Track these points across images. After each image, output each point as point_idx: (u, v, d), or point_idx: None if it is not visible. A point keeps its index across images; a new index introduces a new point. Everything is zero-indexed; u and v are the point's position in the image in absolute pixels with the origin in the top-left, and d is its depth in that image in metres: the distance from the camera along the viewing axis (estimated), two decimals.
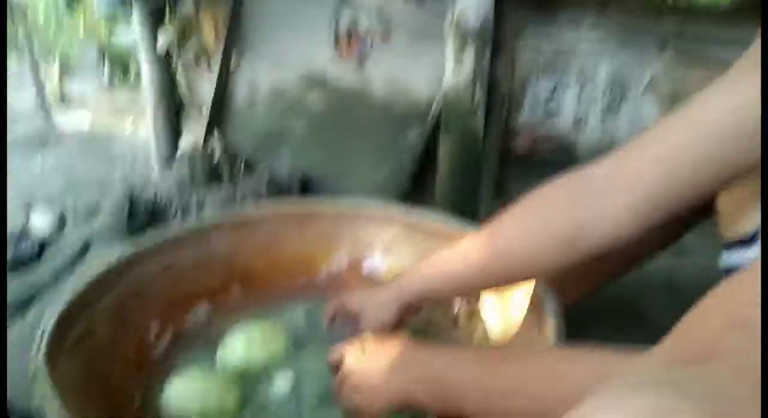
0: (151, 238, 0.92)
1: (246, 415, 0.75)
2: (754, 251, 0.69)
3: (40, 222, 1.34)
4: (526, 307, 0.80)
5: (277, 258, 0.99)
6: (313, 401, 0.77)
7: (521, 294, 0.81)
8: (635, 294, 1.09)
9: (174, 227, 0.97)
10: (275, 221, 1.00)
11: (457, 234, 0.94)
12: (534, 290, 0.79)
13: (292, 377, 0.79)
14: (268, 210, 1.03)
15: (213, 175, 1.44)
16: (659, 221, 0.62)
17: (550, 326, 0.72)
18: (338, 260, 1.00)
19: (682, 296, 1.11)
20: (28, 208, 1.46)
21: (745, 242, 0.72)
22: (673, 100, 1.28)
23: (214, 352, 0.83)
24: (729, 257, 0.75)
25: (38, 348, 0.68)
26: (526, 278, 0.73)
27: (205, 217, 1.14)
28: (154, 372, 0.81)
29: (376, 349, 0.68)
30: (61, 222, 1.37)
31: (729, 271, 0.74)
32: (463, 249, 0.73)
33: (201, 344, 0.86)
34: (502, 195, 1.42)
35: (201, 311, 0.92)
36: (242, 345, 0.82)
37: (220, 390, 0.75)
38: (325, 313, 0.86)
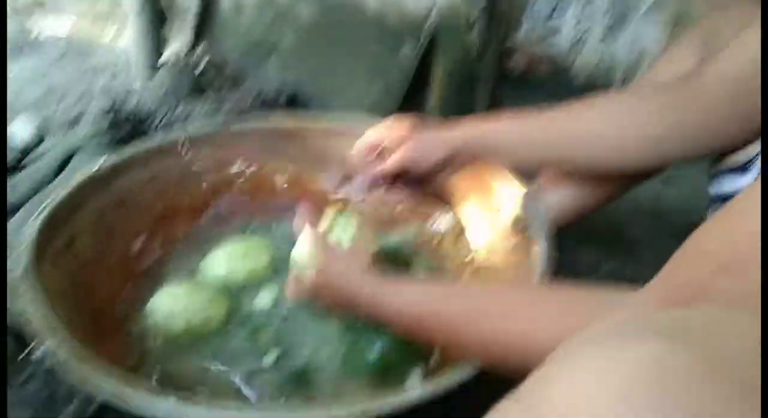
0: (134, 147, 0.90)
1: (230, 328, 0.76)
2: (748, 179, 0.68)
3: (21, 131, 1.30)
4: (514, 228, 0.79)
5: (263, 174, 0.97)
6: (295, 314, 0.77)
7: (509, 211, 0.81)
8: (621, 220, 1.09)
9: (157, 137, 0.94)
10: (261, 136, 0.97)
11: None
12: (524, 209, 0.78)
13: (276, 291, 0.79)
14: (254, 125, 1.00)
15: (197, 86, 1.39)
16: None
17: (540, 249, 0.71)
18: (326, 180, 0.98)
19: (668, 222, 1.13)
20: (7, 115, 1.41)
21: (737, 169, 0.71)
22: (675, 24, 1.24)
23: (198, 266, 0.83)
24: (720, 185, 0.75)
25: (20, 257, 0.67)
26: (594, 167, 0.75)
27: (190, 129, 1.11)
28: (139, 284, 0.81)
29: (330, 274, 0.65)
30: (42, 131, 1.33)
31: (720, 199, 0.74)
32: (545, 116, 0.73)
33: (185, 257, 0.86)
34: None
35: (185, 224, 0.91)
36: (224, 259, 0.82)
37: (205, 304, 0.75)
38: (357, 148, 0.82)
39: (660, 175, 0.87)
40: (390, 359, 0.69)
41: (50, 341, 0.57)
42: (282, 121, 1.02)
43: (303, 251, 0.67)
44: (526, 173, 0.81)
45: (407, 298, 0.58)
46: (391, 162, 0.77)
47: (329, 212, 0.74)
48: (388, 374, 0.69)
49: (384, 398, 0.53)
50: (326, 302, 0.67)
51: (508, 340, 0.51)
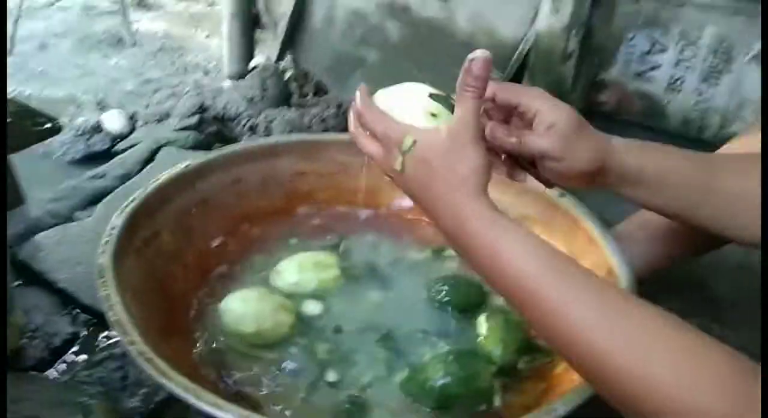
0: (221, 151, 0.92)
1: (297, 337, 0.76)
2: None
3: (112, 121, 1.36)
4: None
5: (342, 187, 0.98)
6: (352, 330, 0.77)
7: (593, 257, 0.78)
8: (707, 275, 1.04)
9: (243, 143, 0.96)
10: (343, 149, 0.98)
11: (531, 189, 0.90)
12: (607, 261, 0.75)
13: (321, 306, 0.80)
14: (336, 137, 1.01)
15: (283, 94, 1.42)
16: None
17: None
18: (402, 200, 0.97)
19: (756, 279, 1.06)
20: (101, 106, 1.48)
21: None
22: None
23: (269, 272, 0.83)
24: None
25: (106, 245, 0.69)
26: (729, 234, 0.65)
27: (275, 136, 1.13)
28: (213, 283, 0.82)
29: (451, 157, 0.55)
30: (132, 123, 1.38)
31: None
32: (708, 160, 0.66)
33: (259, 262, 0.87)
34: None
35: (263, 228, 0.92)
36: (295, 270, 0.82)
37: (275, 309, 0.75)
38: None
39: None
40: (452, 393, 0.67)
41: (126, 331, 0.58)
42: None
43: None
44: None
45: (516, 246, 0.52)
46: (538, 143, 0.62)
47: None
48: (448, 408, 0.68)
49: None
50: (416, 193, 0.59)
51: (588, 351, 0.47)
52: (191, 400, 0.53)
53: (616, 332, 0.46)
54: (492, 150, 0.63)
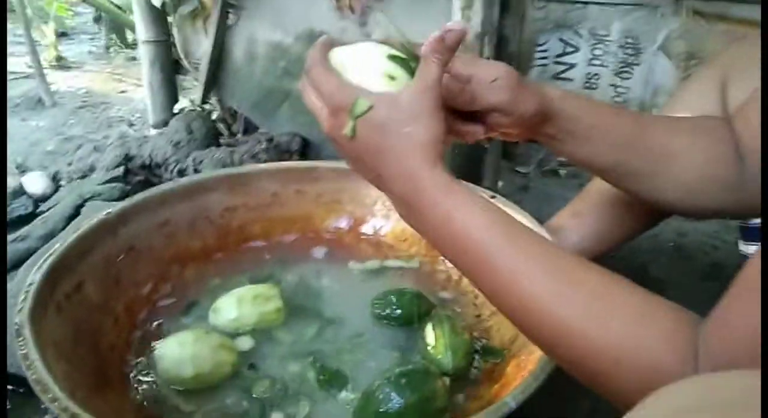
0: (144, 194, 0.89)
1: (241, 377, 0.72)
2: None
3: (33, 184, 1.31)
4: None
5: (275, 218, 0.96)
6: (297, 362, 0.74)
7: None
8: (644, 258, 1.06)
9: (168, 183, 0.93)
10: (273, 179, 0.96)
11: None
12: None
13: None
14: (266, 168, 0.99)
15: (210, 135, 1.40)
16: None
17: None
18: (337, 222, 0.96)
19: (692, 260, 1.09)
20: (21, 169, 1.43)
21: None
22: (689, 58, 1.23)
23: (207, 312, 0.80)
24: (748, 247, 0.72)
25: (23, 303, 0.65)
26: (654, 194, 0.68)
27: (201, 174, 1.10)
28: (147, 330, 0.78)
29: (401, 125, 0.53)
30: (56, 183, 1.34)
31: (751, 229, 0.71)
32: (636, 116, 0.68)
33: (194, 303, 0.83)
34: (510, 158, 1.38)
35: (195, 270, 0.89)
36: (234, 306, 0.79)
37: (215, 350, 0.72)
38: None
39: None
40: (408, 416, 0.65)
41: (46, 389, 0.54)
42: (293, 164, 1.01)
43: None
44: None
45: (472, 215, 0.50)
46: (488, 97, 0.62)
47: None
48: None
49: None
50: (366, 159, 0.56)
51: (536, 308, 0.47)
52: None
53: (570, 299, 0.46)
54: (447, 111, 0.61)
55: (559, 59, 1.26)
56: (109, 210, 0.83)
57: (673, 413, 0.29)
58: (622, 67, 1.24)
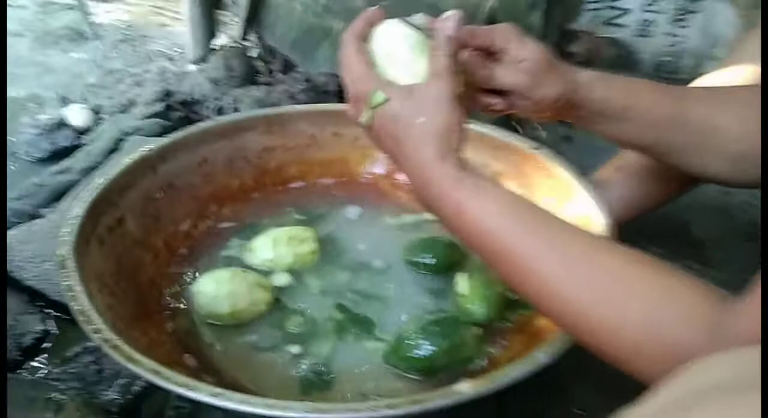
0: (184, 132, 0.89)
1: (276, 316, 0.74)
2: None
3: (76, 116, 1.32)
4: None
5: (312, 160, 0.96)
6: (329, 302, 0.75)
7: (572, 207, 0.76)
8: (687, 218, 1.03)
9: (207, 122, 0.93)
10: (311, 121, 0.95)
11: (505, 144, 0.88)
12: (586, 209, 0.74)
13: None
14: (304, 110, 0.98)
15: (249, 74, 1.39)
16: None
17: None
18: (373, 167, 0.95)
19: (737, 220, 1.05)
20: (63, 101, 1.44)
21: None
22: (750, 7, 1.15)
23: (243, 251, 0.81)
24: None
25: (67, 235, 0.67)
26: (695, 167, 0.67)
27: (240, 114, 1.10)
28: (184, 267, 0.80)
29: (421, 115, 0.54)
30: (97, 116, 1.35)
31: None
32: (670, 90, 0.65)
33: (231, 243, 0.84)
34: None
35: (232, 209, 0.89)
36: (269, 246, 0.80)
37: (251, 288, 0.73)
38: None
39: None
40: (437, 365, 0.65)
41: (90, 320, 0.56)
42: (331, 106, 0.99)
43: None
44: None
45: (481, 205, 0.51)
46: (507, 78, 0.62)
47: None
48: (433, 375, 0.66)
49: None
50: (383, 146, 0.59)
51: (555, 293, 0.47)
52: (160, 382, 0.51)
53: (587, 283, 0.46)
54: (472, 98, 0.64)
55: (612, 4, 1.20)
56: (150, 146, 0.83)
57: (709, 389, 0.28)
58: (680, 14, 1.17)
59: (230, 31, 1.59)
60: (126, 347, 0.54)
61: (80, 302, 0.58)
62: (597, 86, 0.63)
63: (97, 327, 0.56)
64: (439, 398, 0.49)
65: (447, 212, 0.53)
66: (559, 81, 0.62)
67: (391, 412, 0.48)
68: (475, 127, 0.84)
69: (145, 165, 0.81)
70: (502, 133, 0.88)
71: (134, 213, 0.78)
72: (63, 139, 1.26)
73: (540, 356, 0.54)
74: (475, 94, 0.65)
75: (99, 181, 0.75)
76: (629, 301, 0.43)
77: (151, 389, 0.69)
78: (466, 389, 0.50)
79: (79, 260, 0.64)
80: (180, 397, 0.67)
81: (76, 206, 0.71)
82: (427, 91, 0.55)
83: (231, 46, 1.47)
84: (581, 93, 0.62)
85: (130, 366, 0.52)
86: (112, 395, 0.68)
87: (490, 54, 0.63)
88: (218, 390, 0.50)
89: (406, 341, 0.66)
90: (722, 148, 0.63)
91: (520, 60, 0.61)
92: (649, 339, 0.42)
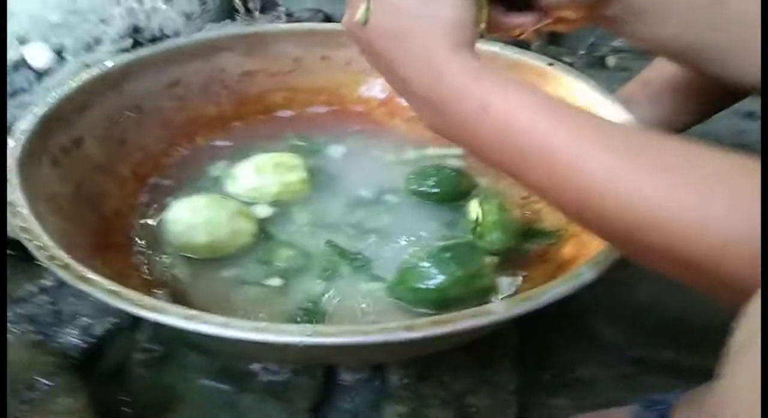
0: (151, 48, 0.78)
1: (261, 248, 0.64)
2: None
3: (35, 56, 1.21)
4: None
5: (298, 87, 0.85)
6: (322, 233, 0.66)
7: None
8: None
9: (179, 39, 0.82)
10: (296, 42, 0.84)
11: (519, 62, 0.79)
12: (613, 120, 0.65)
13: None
14: (287, 29, 0.87)
15: (226, 8, 1.27)
16: None
17: None
18: (370, 90, 0.85)
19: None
20: (22, 42, 1.32)
21: None
22: None
23: (224, 178, 0.72)
24: None
25: (12, 149, 0.56)
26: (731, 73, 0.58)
27: (216, 31, 0.99)
28: (156, 196, 0.70)
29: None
30: (60, 57, 1.23)
31: None
32: None
33: (208, 172, 0.74)
34: (557, 44, 1.25)
35: (209, 138, 0.79)
36: (253, 173, 0.70)
37: (233, 218, 0.64)
38: None
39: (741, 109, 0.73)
40: (450, 296, 0.56)
41: (34, 236, 0.46)
42: (320, 26, 0.89)
43: None
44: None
45: (513, 98, 0.42)
46: None
47: None
48: (446, 308, 0.57)
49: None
50: (381, 47, 0.48)
51: (602, 191, 0.39)
52: (119, 304, 0.41)
53: (652, 173, 0.38)
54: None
55: None
56: (111, 62, 0.73)
57: None
58: None
59: None
60: (78, 266, 0.44)
61: (25, 219, 0.48)
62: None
63: (40, 243, 0.46)
64: (467, 319, 0.40)
65: (467, 112, 0.43)
66: None
67: (409, 335, 0.39)
68: (484, 46, 0.74)
69: (106, 83, 0.71)
70: (514, 50, 0.79)
71: (95, 135, 0.68)
72: (23, 81, 1.16)
73: (584, 272, 0.45)
74: (497, 15, 0.55)
75: (52, 95, 0.65)
76: (713, 188, 0.35)
77: (116, 330, 0.59)
78: (499, 308, 0.41)
79: (25, 176, 0.54)
80: (149, 338, 0.58)
81: (24, 121, 0.61)
82: None
83: None
84: None
85: (82, 286, 0.42)
86: (69, 338, 0.58)
87: None
88: (193, 312, 0.41)
89: (415, 269, 0.56)
90: (756, 50, 0.55)
91: None
92: (738, 233, 0.34)
